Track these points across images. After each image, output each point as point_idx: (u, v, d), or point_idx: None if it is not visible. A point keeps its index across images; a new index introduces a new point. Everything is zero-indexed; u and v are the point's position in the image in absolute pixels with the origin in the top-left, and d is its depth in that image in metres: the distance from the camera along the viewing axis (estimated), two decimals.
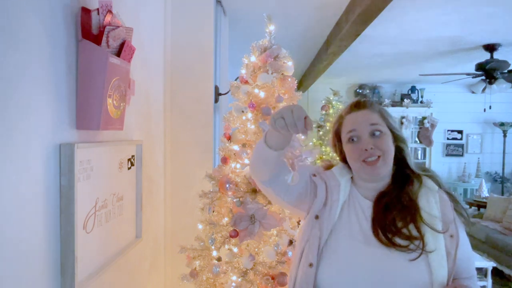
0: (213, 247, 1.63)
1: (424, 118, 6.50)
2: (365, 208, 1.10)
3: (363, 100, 1.15)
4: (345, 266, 1.04)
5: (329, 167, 1.22)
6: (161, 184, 2.23)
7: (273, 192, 1.12)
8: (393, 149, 1.10)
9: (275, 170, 1.08)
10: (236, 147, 1.65)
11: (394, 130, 1.12)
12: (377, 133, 1.08)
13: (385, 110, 1.14)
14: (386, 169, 1.08)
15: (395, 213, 1.04)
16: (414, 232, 1.02)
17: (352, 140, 1.10)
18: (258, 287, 1.53)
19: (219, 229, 1.61)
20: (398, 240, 1.01)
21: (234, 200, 1.56)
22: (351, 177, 1.16)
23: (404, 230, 1.02)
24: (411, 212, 1.04)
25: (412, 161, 1.13)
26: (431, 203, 1.06)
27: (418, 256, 0.99)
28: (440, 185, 1.11)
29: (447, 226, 1.03)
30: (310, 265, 1.05)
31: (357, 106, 1.14)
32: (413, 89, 6.83)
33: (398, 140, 1.12)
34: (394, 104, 6.59)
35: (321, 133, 5.39)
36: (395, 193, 1.08)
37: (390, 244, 1.01)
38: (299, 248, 1.12)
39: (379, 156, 1.06)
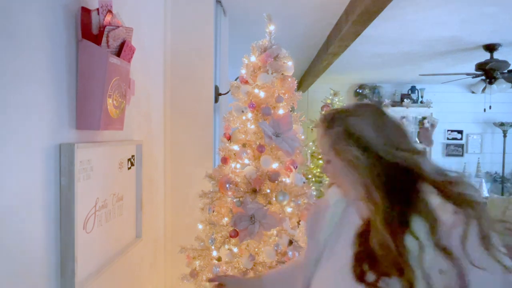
0: (213, 247, 1.63)
1: (424, 118, 6.50)
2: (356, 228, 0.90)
3: (322, 118, 0.94)
4: None
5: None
6: (161, 184, 2.23)
7: None
8: (343, 176, 0.90)
9: None
10: (236, 147, 1.65)
11: (368, 147, 0.84)
12: (325, 161, 0.93)
13: (355, 124, 0.86)
14: (343, 194, 0.94)
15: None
16: (397, 266, 0.77)
17: None
18: None
19: (219, 229, 1.61)
20: (371, 277, 0.79)
21: (234, 200, 1.56)
22: None
23: (385, 263, 0.78)
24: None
25: (428, 170, 0.82)
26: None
27: None
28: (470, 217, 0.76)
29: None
30: None
31: (317, 125, 0.95)
32: (413, 89, 6.83)
33: (380, 155, 0.83)
34: (394, 104, 6.58)
35: None
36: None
37: (361, 280, 0.80)
38: None
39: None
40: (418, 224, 0.77)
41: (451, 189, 0.79)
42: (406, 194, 0.80)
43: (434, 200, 0.79)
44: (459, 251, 0.74)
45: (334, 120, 0.90)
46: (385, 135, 0.84)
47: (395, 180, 0.81)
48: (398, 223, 0.78)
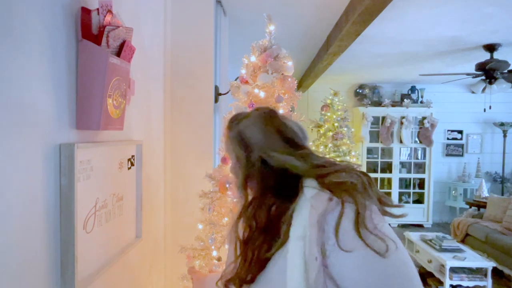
0: (213, 247, 1.63)
1: (424, 118, 6.51)
2: None
3: (228, 121, 1.02)
4: None
5: None
6: (161, 184, 2.23)
7: None
8: (233, 174, 0.98)
9: None
10: None
11: (248, 146, 0.93)
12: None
13: (246, 128, 0.95)
14: (236, 192, 0.97)
15: None
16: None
17: None
18: None
19: (219, 229, 1.61)
20: None
21: (234, 200, 1.56)
22: None
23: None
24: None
25: (302, 166, 0.86)
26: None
27: None
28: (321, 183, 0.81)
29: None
30: None
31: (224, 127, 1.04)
32: (413, 89, 6.84)
33: (255, 151, 0.91)
34: (394, 104, 6.60)
35: (321, 132, 5.45)
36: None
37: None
38: None
39: None
40: (298, 215, 0.80)
41: (329, 179, 0.81)
42: (291, 190, 0.84)
43: (311, 191, 0.81)
44: (331, 236, 0.73)
45: (232, 123, 0.99)
46: (267, 139, 0.92)
47: (277, 178, 0.87)
48: (275, 214, 0.83)
